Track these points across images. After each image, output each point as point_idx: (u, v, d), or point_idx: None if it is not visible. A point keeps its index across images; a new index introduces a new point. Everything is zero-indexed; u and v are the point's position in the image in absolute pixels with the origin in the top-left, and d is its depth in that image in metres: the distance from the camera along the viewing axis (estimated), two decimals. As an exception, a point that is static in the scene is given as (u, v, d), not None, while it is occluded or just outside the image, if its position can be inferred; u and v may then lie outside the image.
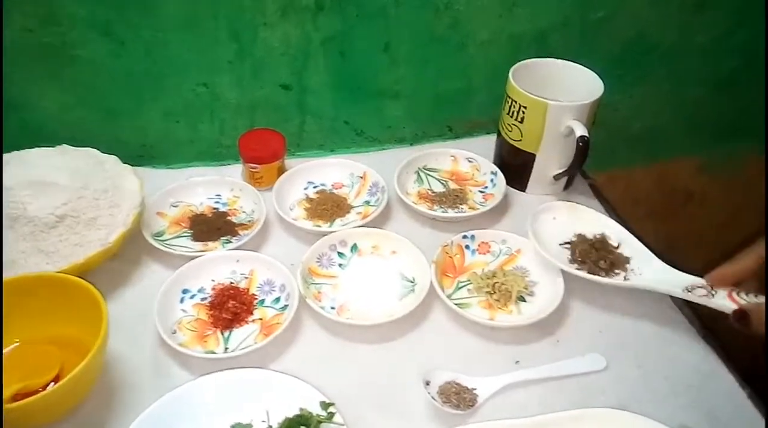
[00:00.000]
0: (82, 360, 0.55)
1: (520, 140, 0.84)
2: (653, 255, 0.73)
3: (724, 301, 0.64)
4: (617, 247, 0.75)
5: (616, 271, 0.72)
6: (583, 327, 0.71)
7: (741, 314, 0.61)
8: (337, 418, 0.57)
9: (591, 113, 0.81)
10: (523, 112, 0.81)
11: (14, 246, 0.67)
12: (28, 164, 0.73)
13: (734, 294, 0.64)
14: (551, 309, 0.69)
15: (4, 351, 0.63)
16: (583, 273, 0.71)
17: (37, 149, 0.77)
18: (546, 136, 0.82)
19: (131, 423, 0.57)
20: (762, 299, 0.62)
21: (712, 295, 0.65)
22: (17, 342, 0.64)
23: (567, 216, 0.79)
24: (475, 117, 0.98)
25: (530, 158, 0.85)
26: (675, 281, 0.68)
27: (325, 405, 0.57)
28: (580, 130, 0.78)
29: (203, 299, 0.72)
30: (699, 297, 0.65)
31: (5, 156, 0.75)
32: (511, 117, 0.83)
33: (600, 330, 0.70)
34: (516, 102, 0.82)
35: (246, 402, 0.60)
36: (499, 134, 0.89)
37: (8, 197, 0.68)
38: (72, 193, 0.70)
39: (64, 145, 0.79)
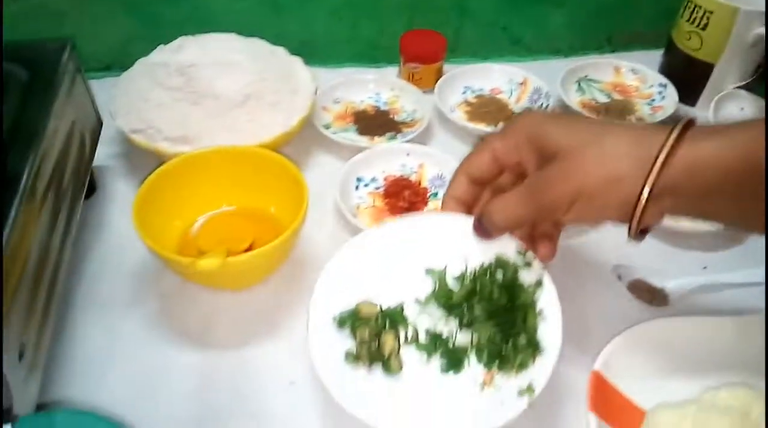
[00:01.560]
0: (273, 234, 0.56)
1: (699, 49, 0.80)
2: None
3: None
4: None
5: None
6: (772, 237, 0.68)
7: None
8: (536, 264, 0.51)
9: (783, 22, 0.76)
10: (708, 18, 0.77)
11: (201, 122, 0.68)
12: (207, 46, 0.74)
13: None
14: (741, 217, 0.66)
15: (213, 212, 0.66)
16: None
17: (211, 34, 0.77)
18: (730, 44, 0.77)
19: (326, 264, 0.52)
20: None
21: None
22: (232, 206, 0.66)
23: (755, 112, 0.77)
24: (638, 29, 0.93)
25: (707, 69, 0.81)
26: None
27: (522, 252, 0.51)
28: (774, 37, 0.73)
29: (377, 188, 0.72)
30: None
31: (180, 39, 0.75)
32: (692, 24, 0.79)
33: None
34: (700, 7, 0.77)
35: (441, 248, 0.53)
36: (670, 45, 0.85)
37: (194, 73, 0.69)
38: (255, 75, 0.71)
39: (234, 33, 0.79)
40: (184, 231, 0.64)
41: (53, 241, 0.53)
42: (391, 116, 0.82)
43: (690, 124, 0.40)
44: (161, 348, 0.58)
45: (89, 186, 0.70)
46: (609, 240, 0.67)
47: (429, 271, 0.53)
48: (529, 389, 0.45)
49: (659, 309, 0.60)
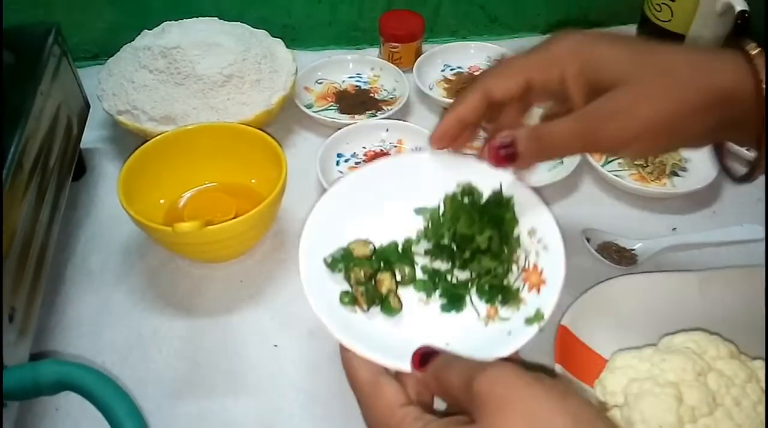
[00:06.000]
0: (254, 207, 0.57)
1: (669, 20, 0.82)
2: None
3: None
4: None
5: None
6: (740, 199, 0.70)
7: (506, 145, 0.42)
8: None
9: (750, -10, 0.77)
10: (676, -11, 0.79)
11: (186, 101, 0.71)
12: (191, 29, 0.76)
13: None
14: (708, 181, 0.68)
15: (197, 188, 0.68)
16: None
17: (194, 19, 0.79)
18: (699, 14, 0.79)
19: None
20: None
21: None
22: (214, 182, 0.69)
23: None
24: (613, 5, 0.95)
25: (679, 40, 0.82)
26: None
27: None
28: (741, 5, 0.75)
29: (357, 163, 0.74)
30: None
31: (164, 24, 0.78)
32: (662, -5, 0.81)
33: (758, 200, 0.69)
34: (669, -22, 0.79)
35: (428, 186, 0.51)
36: (643, 18, 0.86)
37: (177, 55, 0.71)
38: (237, 55, 0.73)
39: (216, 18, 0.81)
40: (170, 208, 0.66)
41: (41, 217, 0.56)
42: (372, 95, 0.84)
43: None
44: (150, 315, 0.61)
45: (80, 167, 0.73)
46: (577, 207, 0.69)
47: (420, 210, 0.51)
48: (538, 316, 0.43)
49: (627, 269, 0.62)
